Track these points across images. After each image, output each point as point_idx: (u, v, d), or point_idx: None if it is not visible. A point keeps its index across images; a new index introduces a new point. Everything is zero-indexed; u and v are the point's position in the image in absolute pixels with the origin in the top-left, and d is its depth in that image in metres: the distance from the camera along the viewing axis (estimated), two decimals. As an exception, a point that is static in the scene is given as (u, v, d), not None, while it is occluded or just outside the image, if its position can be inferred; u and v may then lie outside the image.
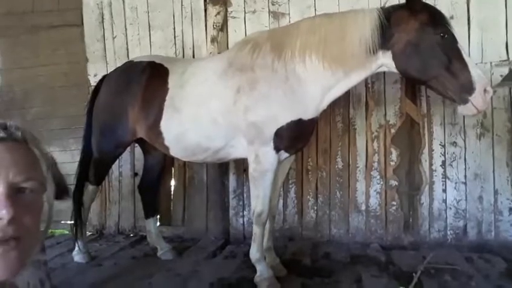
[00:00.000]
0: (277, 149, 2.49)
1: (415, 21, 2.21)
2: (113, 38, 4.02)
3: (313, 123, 2.59)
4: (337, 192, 3.59)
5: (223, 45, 3.66)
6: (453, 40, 2.21)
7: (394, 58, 2.28)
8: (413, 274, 2.26)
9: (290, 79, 2.43)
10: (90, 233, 3.90)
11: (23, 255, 0.62)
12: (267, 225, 2.74)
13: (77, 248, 3.17)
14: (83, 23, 4.09)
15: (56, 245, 3.66)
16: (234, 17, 3.71)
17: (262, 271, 2.57)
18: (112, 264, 3.18)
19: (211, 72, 2.68)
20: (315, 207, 3.64)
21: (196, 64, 2.91)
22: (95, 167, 3.18)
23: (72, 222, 3.20)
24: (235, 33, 3.66)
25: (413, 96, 3.49)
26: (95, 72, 3.99)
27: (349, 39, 2.28)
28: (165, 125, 2.78)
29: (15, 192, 0.62)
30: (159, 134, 2.81)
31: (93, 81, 3.91)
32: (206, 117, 2.63)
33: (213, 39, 3.68)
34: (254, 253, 2.62)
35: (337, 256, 3.16)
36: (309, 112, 2.47)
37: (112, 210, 4.07)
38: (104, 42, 4.03)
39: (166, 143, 2.83)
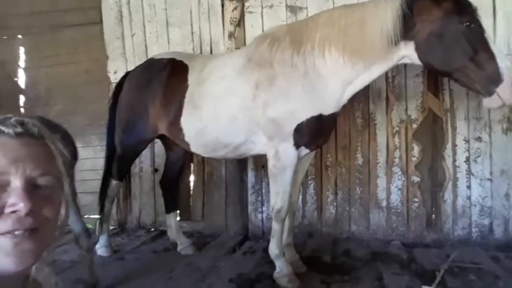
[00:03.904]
0: (297, 145, 2.46)
1: (439, 10, 2.12)
2: (132, 35, 4.06)
3: (333, 118, 2.55)
4: (357, 189, 3.54)
5: (240, 41, 3.64)
6: (480, 29, 2.11)
7: (417, 49, 2.20)
8: (437, 273, 2.21)
9: (309, 74, 2.39)
10: (112, 227, 3.98)
11: (39, 247, 0.63)
12: (287, 222, 2.72)
13: (100, 242, 3.24)
14: (102, 21, 4.14)
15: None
16: (251, 12, 3.69)
17: (281, 267, 2.57)
18: (134, 258, 3.25)
19: (230, 68, 2.68)
20: (335, 204, 3.60)
21: (215, 60, 2.91)
22: (117, 162, 3.23)
23: (96, 216, 3.27)
24: (253, 28, 3.64)
25: (435, 89, 3.39)
26: (115, 69, 4.05)
27: (369, 31, 2.22)
28: (185, 122, 2.80)
29: (32, 187, 0.63)
30: (180, 131, 2.83)
31: (113, 78, 3.97)
32: (225, 114, 2.63)
33: (230, 35, 3.66)
34: (273, 249, 2.61)
35: (357, 253, 3.13)
36: (329, 107, 2.43)
37: (133, 205, 4.13)
38: (123, 40, 4.08)
39: (187, 139, 2.85)
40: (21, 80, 4.52)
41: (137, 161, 3.86)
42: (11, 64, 4.47)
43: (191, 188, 4.05)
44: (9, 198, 0.60)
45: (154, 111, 2.94)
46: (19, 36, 4.48)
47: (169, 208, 3.43)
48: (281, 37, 2.51)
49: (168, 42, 3.94)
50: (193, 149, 2.92)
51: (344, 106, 2.56)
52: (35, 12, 4.32)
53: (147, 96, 2.96)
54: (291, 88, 2.41)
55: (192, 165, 3.99)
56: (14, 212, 0.59)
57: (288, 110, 2.42)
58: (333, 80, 2.38)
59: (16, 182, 0.61)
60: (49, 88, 4.32)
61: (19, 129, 0.64)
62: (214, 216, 3.88)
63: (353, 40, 2.27)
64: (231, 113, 2.60)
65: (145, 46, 4.02)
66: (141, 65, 3.24)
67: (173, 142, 3.09)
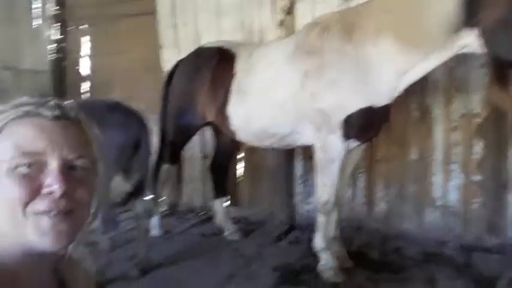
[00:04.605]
0: (346, 137, 2.38)
1: None
2: (184, 24, 4.13)
3: (386, 110, 2.42)
4: (411, 185, 3.36)
5: (290, 29, 3.55)
6: None
7: (481, 37, 1.97)
8: (498, 281, 2.05)
9: (361, 63, 2.27)
10: (164, 209, 4.16)
11: (73, 228, 0.65)
12: (333, 215, 2.67)
13: (152, 222, 3.41)
14: (156, 11, 4.25)
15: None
16: (302, 0, 3.59)
17: (326, 260, 2.54)
18: (182, 239, 3.41)
19: (278, 56, 2.63)
20: (386, 199, 3.46)
21: (263, 48, 2.88)
22: (169, 148, 3.36)
23: (149, 198, 3.44)
24: (303, 16, 3.52)
25: (502, 82, 3.07)
26: (168, 58, 4.17)
27: (427, 17, 2.04)
28: (231, 110, 2.81)
29: (67, 169, 0.64)
30: (226, 119, 2.86)
31: (167, 66, 4.09)
32: (272, 103, 2.60)
33: (281, 23, 3.59)
34: (318, 242, 2.58)
35: (408, 252, 2.99)
36: (381, 98, 2.31)
37: (184, 190, 4.29)
38: (176, 29, 4.16)
39: (233, 127, 2.87)
40: (85, 68, 4.83)
41: (188, 146, 3.98)
42: (76, 53, 4.79)
43: (240, 174, 4.11)
44: (46, 179, 0.62)
45: (203, 99, 2.99)
46: (84, 26, 4.77)
47: (217, 194, 3.51)
48: (332, 24, 2.41)
49: (219, 32, 3.97)
50: (240, 137, 2.94)
51: (398, 98, 2.41)
52: (98, 4, 4.56)
53: (196, 84, 3.02)
54: (340, 78, 2.31)
55: (241, 152, 4.03)
56: (50, 193, 0.61)
57: (337, 100, 2.33)
58: (386, 70, 2.23)
59: (53, 164, 0.62)
60: (110, 76, 4.57)
61: (57, 112, 0.65)
62: (261, 204, 3.91)
63: (409, 27, 2.11)
64: (277, 102, 2.57)
65: (197, 35, 4.08)
66: (190, 53, 3.30)
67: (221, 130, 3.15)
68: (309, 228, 3.54)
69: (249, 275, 2.67)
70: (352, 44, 2.29)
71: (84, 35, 4.78)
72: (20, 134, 0.62)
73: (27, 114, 0.63)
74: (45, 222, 0.61)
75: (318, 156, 2.47)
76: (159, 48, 4.25)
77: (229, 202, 4.02)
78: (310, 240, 2.72)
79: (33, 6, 4.76)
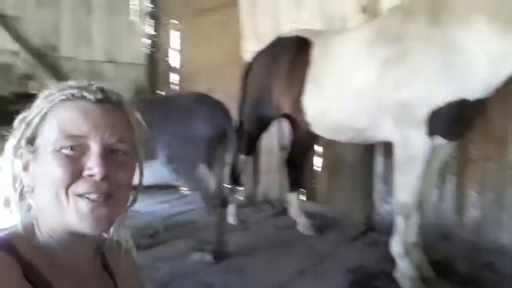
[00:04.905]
0: (431, 133, 2.12)
1: None
2: (264, 14, 4.10)
3: (481, 104, 2.08)
4: (510, 190, 2.90)
5: (373, 15, 3.28)
6: None
7: None
8: None
9: (449, 49, 1.97)
10: (241, 199, 4.27)
11: (112, 212, 0.66)
12: (415, 219, 2.43)
13: (229, 211, 3.52)
14: (238, 3, 4.30)
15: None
16: (387, -17, 3.29)
17: (404, 268, 2.34)
18: (257, 230, 3.46)
19: (355, 43, 2.45)
20: (479, 205, 3.05)
21: (340, 36, 2.70)
22: (245, 139, 3.41)
23: (227, 187, 3.55)
24: (388, 0, 3.25)
25: None
26: (249, 49, 4.20)
27: None
28: (306, 101, 2.72)
29: (108, 152, 0.66)
30: (301, 111, 2.78)
31: (248, 58, 4.14)
32: (348, 94, 2.44)
33: (364, 9, 3.35)
34: (395, 247, 2.39)
35: (503, 268, 2.58)
36: (474, 91, 1.98)
37: (261, 181, 4.33)
38: (256, 20, 4.15)
39: (308, 119, 2.78)
40: (175, 61, 5.14)
41: (266, 138, 4.00)
42: (166, 46, 5.11)
43: (317, 168, 4.01)
44: (88, 162, 0.63)
45: (278, 90, 2.94)
46: (174, 21, 5.06)
47: (293, 187, 3.48)
48: (416, 7, 2.14)
49: (299, 20, 3.86)
50: (315, 129, 2.83)
51: (497, 89, 2.04)
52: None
53: (272, 75, 2.99)
54: (425, 66, 2.04)
55: (319, 146, 3.92)
56: (90, 176, 0.63)
57: (421, 92, 2.07)
58: (480, 56, 1.90)
59: (94, 147, 0.64)
60: (196, 68, 4.79)
61: (100, 96, 0.67)
62: (338, 201, 3.77)
63: (507, 4, 1.77)
64: (354, 93, 2.40)
65: (277, 25, 4.02)
66: (268, 44, 3.26)
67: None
68: (388, 230, 3.31)
69: (320, 273, 2.59)
70: (439, 28, 1.99)
71: (174, 29, 5.07)
72: (65, 116, 0.64)
73: (72, 97, 0.65)
74: (85, 205, 0.63)
75: (398, 153, 2.25)
76: (241, 39, 4.31)
77: (305, 196, 3.97)
78: (388, 243, 2.53)
79: (131, 2, 5.19)
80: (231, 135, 2.65)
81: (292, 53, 2.86)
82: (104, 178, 0.63)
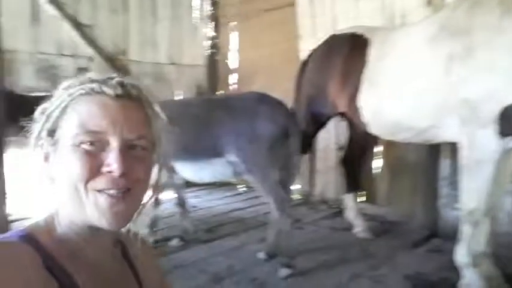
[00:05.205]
0: (502, 133, 1.94)
1: None
2: (322, 13, 4.04)
3: None
4: None
5: (439, 9, 3.07)
6: None
7: None
8: None
9: None
10: (297, 198, 4.23)
11: (131, 207, 0.66)
12: (484, 226, 2.22)
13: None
14: (296, 3, 4.29)
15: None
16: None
17: (471, 278, 2.16)
18: (312, 230, 3.43)
19: (417, 39, 2.31)
20: None
21: (399, 31, 2.58)
22: (300, 137, 3.37)
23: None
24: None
25: None
26: (306, 48, 4.16)
27: None
28: (362, 100, 2.63)
29: (127, 148, 0.65)
30: (357, 110, 2.69)
31: (304, 57, 4.10)
32: (408, 92, 2.31)
33: (428, 2, 3.13)
34: (461, 255, 2.21)
35: None
36: None
37: (318, 180, 4.26)
38: (314, 18, 4.11)
39: (364, 119, 2.69)
40: (233, 61, 5.26)
41: (323, 137, 3.93)
42: (226, 48, 5.24)
43: (377, 170, 3.85)
44: (107, 158, 0.63)
45: (334, 88, 2.88)
46: (233, 23, 5.18)
47: (349, 188, 3.37)
48: None
49: (358, 17, 3.73)
50: (371, 129, 2.73)
51: None
52: (246, 0, 4.88)
53: (327, 73, 2.93)
54: (496, 61, 1.87)
55: (379, 146, 3.76)
56: (109, 172, 0.63)
57: (491, 89, 1.90)
58: None
59: (113, 143, 0.64)
60: (253, 68, 4.86)
61: (119, 91, 0.66)
62: (400, 204, 3.59)
63: None
64: (415, 91, 2.27)
65: (335, 22, 3.94)
66: (323, 41, 3.20)
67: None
68: (454, 237, 3.08)
69: (376, 278, 2.48)
70: None
71: (233, 30, 5.19)
72: (84, 111, 0.64)
73: (91, 92, 0.65)
74: (103, 201, 0.63)
75: (465, 155, 2.08)
76: (298, 38, 4.28)
77: (363, 198, 3.84)
78: (452, 251, 2.35)
79: (193, 6, 5.40)
80: (294, 136, 2.59)
81: (347, 51, 2.79)
82: (123, 174, 0.63)
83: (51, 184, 0.66)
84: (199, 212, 3.91)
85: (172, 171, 2.89)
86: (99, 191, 0.63)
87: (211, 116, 2.63)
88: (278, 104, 2.64)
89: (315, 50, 3.27)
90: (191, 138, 2.63)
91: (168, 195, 3.24)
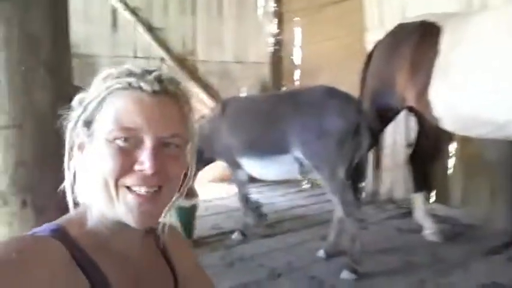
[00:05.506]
0: None
1: None
2: (389, 2, 3.83)
3: None
4: None
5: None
6: None
7: None
8: None
9: None
10: (363, 196, 4.09)
11: (160, 206, 0.66)
12: None
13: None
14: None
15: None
16: None
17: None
18: (377, 230, 3.30)
19: (496, 25, 2.11)
20: None
21: (476, 18, 2.35)
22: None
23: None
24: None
25: None
26: (373, 40, 3.98)
27: None
28: (434, 93, 2.46)
29: (161, 146, 0.64)
30: (428, 103, 2.52)
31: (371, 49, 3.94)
32: (487, 83, 2.12)
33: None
34: (546, 266, 1.97)
35: None
36: None
37: (385, 178, 4.08)
38: (381, 9, 3.92)
39: (436, 113, 2.51)
40: (298, 57, 5.22)
41: (391, 133, 3.74)
42: (290, 44, 5.23)
43: (451, 168, 3.57)
44: (140, 156, 0.62)
45: (402, 80, 2.71)
46: (297, 18, 5.14)
47: (418, 187, 3.17)
48: None
49: (429, 4, 3.45)
50: (444, 124, 2.53)
51: None
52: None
53: (394, 64, 2.77)
54: None
55: (452, 142, 3.48)
56: (141, 170, 0.62)
57: None
58: None
59: (147, 141, 0.63)
60: (317, 62, 4.79)
61: (157, 87, 0.65)
62: (476, 206, 3.31)
63: None
64: (494, 82, 2.08)
65: (403, 12, 3.70)
66: (389, 31, 3.03)
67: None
68: (540, 245, 2.76)
69: (446, 285, 2.32)
70: None
71: (297, 26, 5.15)
72: (120, 106, 0.64)
73: (129, 86, 0.65)
74: (132, 199, 0.63)
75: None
76: (364, 31, 4.12)
77: (434, 198, 3.59)
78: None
79: (257, 4, 5.47)
80: (364, 132, 2.45)
81: (417, 40, 2.61)
82: (155, 173, 0.62)
83: (84, 174, 0.67)
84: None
85: (238, 167, 2.93)
86: (129, 188, 0.63)
87: (278, 111, 2.60)
88: (348, 98, 2.53)
89: (380, 41, 3.11)
90: (258, 134, 2.64)
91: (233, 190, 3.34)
